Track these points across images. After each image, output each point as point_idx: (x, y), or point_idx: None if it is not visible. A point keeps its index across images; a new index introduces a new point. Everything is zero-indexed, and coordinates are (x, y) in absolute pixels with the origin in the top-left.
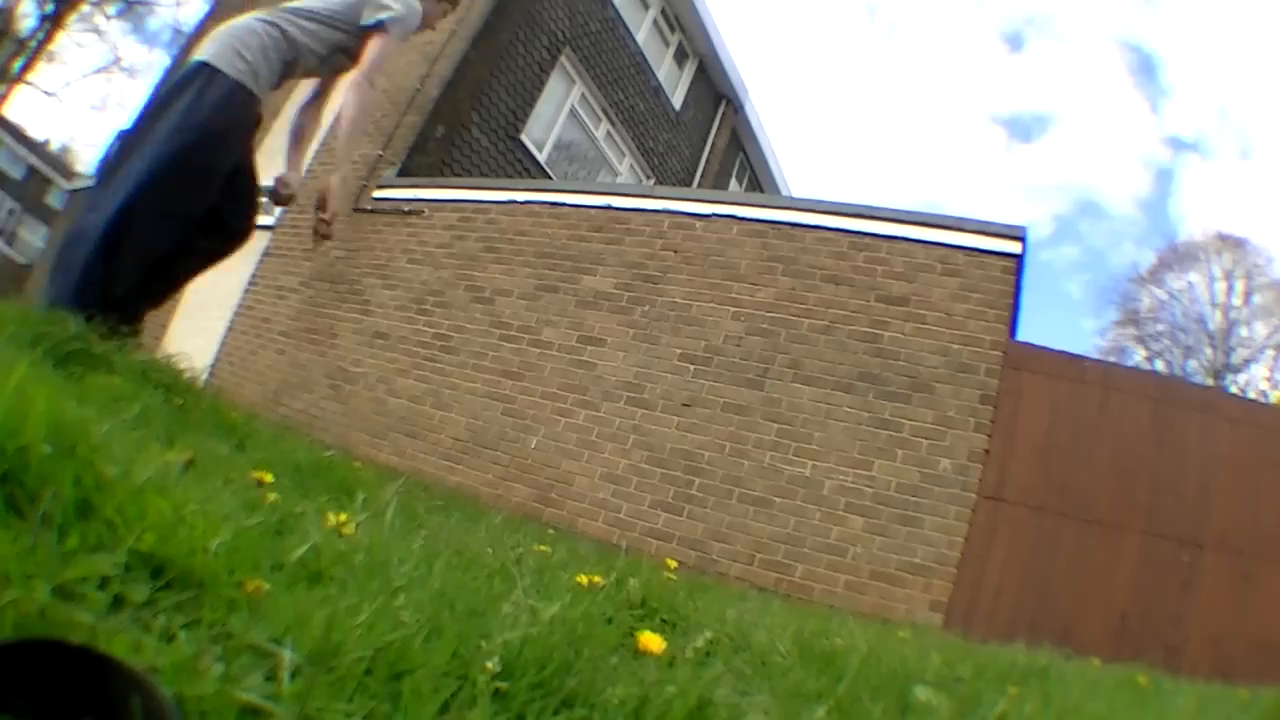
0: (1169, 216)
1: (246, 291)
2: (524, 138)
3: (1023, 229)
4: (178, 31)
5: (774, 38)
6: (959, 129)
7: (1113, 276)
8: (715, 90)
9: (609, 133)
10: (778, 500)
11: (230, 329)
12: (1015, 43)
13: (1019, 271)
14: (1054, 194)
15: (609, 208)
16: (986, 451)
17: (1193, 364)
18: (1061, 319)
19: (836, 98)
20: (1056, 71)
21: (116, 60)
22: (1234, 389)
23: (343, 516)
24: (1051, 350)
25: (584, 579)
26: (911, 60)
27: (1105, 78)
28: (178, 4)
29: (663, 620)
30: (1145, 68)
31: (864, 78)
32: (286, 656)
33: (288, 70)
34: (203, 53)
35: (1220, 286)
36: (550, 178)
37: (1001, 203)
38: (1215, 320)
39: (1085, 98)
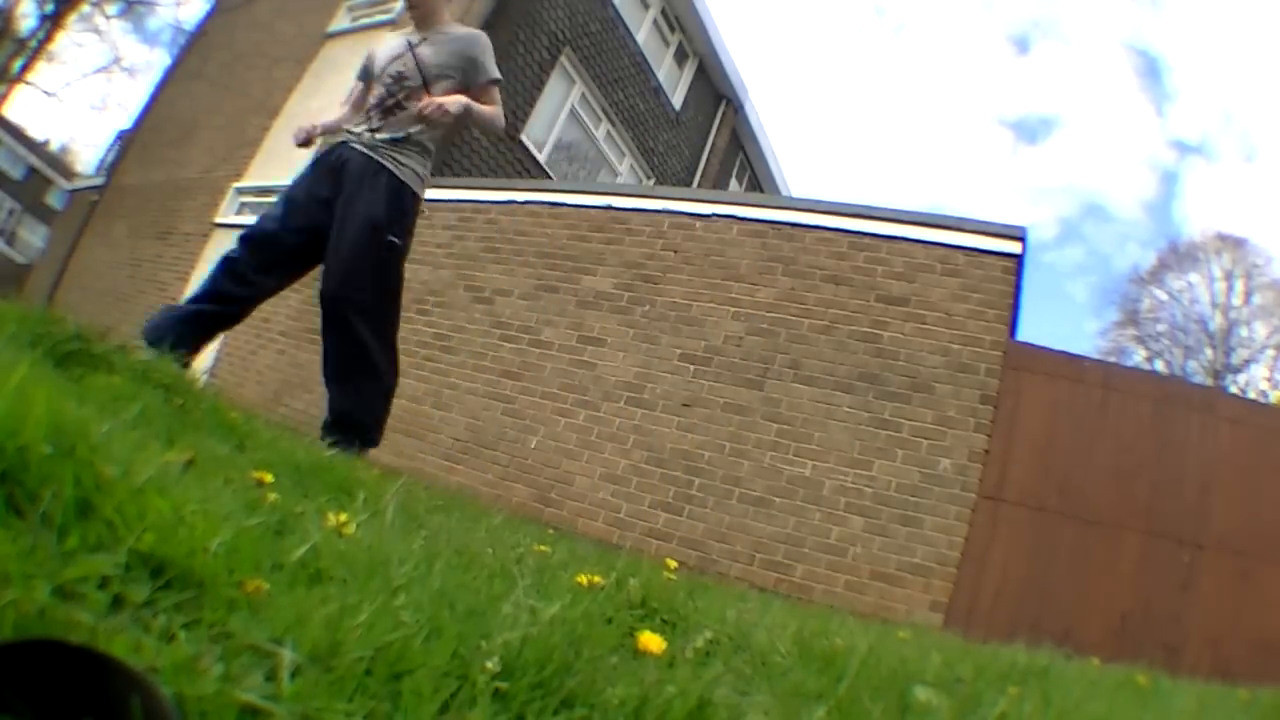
0: (1173, 219)
1: None
2: (524, 138)
3: (1022, 229)
4: (178, 31)
5: (774, 37)
6: (965, 130)
7: (1115, 278)
8: (715, 90)
9: (609, 133)
10: (778, 500)
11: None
12: (1022, 45)
13: (1019, 272)
14: (1059, 196)
15: (609, 208)
16: (986, 451)
17: (1193, 364)
18: (1065, 321)
19: (840, 97)
20: (1062, 74)
21: (116, 60)
22: (1234, 389)
23: (343, 516)
24: (1051, 350)
25: (584, 579)
26: (918, 61)
27: (1111, 80)
28: (177, 4)
29: (663, 620)
30: (1150, 71)
31: (870, 78)
32: (286, 656)
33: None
34: None
35: (1220, 287)
36: (550, 178)
37: (1006, 205)
38: (1215, 320)
39: (1091, 100)
